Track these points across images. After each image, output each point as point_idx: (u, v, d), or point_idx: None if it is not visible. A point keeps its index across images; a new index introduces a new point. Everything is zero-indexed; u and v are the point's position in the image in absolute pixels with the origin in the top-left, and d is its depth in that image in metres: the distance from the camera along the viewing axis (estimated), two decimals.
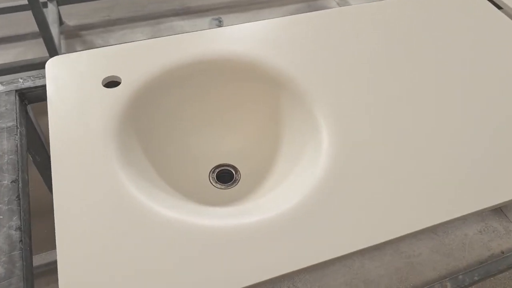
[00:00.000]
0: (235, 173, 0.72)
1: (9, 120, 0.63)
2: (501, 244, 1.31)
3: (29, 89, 0.69)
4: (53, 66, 0.71)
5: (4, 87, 0.68)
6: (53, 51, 1.53)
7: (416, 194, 0.57)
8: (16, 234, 0.52)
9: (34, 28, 1.55)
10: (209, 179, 0.71)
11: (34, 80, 0.70)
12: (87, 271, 0.47)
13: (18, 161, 0.59)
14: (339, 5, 2.04)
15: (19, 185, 0.57)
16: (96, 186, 0.54)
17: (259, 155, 0.72)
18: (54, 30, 1.65)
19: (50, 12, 1.74)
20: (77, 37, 1.85)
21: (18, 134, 0.63)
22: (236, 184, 0.71)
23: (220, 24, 1.93)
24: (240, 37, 0.77)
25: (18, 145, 0.61)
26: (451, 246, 1.30)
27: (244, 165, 0.72)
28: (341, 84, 0.70)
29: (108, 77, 0.68)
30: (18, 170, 0.59)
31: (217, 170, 0.72)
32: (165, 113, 0.70)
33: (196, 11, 1.98)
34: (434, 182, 0.58)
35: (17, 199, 0.56)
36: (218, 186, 0.70)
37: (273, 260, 0.50)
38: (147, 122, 0.68)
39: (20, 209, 0.55)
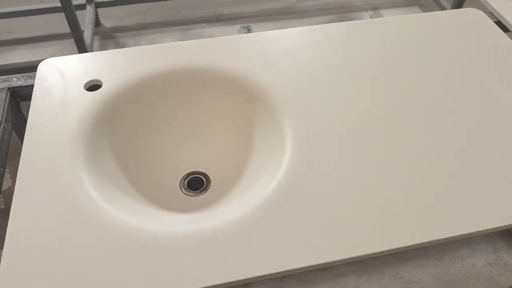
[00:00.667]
0: (206, 181, 0.73)
1: None
2: (511, 279, 1.23)
3: (20, 87, 0.74)
4: (46, 67, 0.75)
5: None
6: (83, 51, 1.61)
7: (375, 217, 0.55)
8: None
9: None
10: (180, 186, 0.72)
11: (26, 79, 0.74)
12: (29, 271, 0.50)
13: None
14: (372, 17, 2.00)
15: None
16: (56, 189, 0.57)
17: (230, 164, 0.72)
18: (88, 31, 1.74)
19: (88, 13, 1.83)
20: (111, 38, 1.93)
21: (1, 129, 0.67)
22: (205, 192, 0.72)
23: (248, 32, 1.95)
24: (224, 49, 0.78)
25: None
26: (455, 276, 1.23)
27: (215, 174, 0.73)
28: (319, 101, 0.69)
29: (91, 80, 0.71)
30: None
31: (189, 178, 0.73)
32: (141, 119, 0.72)
33: (227, 19, 2.01)
34: (396, 208, 0.56)
35: None
36: (187, 193, 0.72)
37: (208, 269, 0.50)
38: (122, 127, 0.70)
39: None
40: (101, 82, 0.72)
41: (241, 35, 0.83)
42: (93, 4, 1.88)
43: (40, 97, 0.69)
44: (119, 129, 0.70)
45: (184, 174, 0.73)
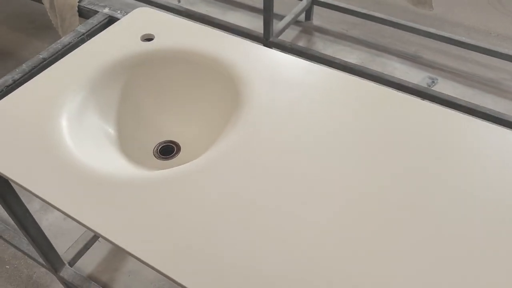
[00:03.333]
0: (176, 150, 0.81)
1: None
2: None
3: (117, 18, 0.94)
4: (137, 12, 0.93)
5: None
6: (267, 32, 1.79)
7: None
8: None
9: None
10: (153, 150, 0.82)
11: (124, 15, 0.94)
12: None
13: None
14: None
15: None
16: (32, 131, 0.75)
17: (202, 140, 0.78)
18: (289, 18, 1.90)
19: (300, 5, 1.99)
20: (307, 34, 2.06)
21: (80, 39, 0.89)
22: (172, 159, 0.80)
23: (431, 84, 1.80)
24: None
25: None
26: None
27: (187, 145, 0.80)
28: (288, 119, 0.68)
29: (146, 34, 0.86)
30: None
31: (164, 145, 0.82)
32: (145, 83, 0.83)
33: (422, 63, 1.89)
34: None
35: None
36: (157, 156, 0.81)
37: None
38: (129, 84, 0.83)
39: None
40: (153, 36, 0.86)
41: (285, 55, 0.84)
42: (310, 0, 2.03)
43: (109, 31, 0.87)
44: (125, 85, 0.83)
45: (161, 141, 0.82)
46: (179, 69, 0.83)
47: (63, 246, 1.18)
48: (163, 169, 0.73)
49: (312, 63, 0.82)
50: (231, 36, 0.88)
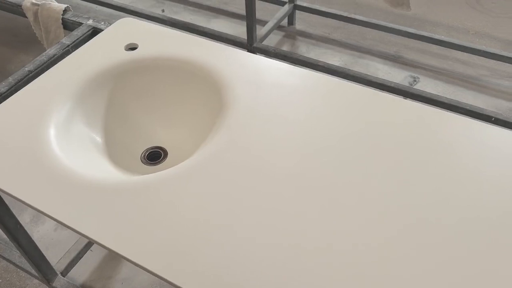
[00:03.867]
0: (163, 155, 0.82)
1: None
2: None
3: (101, 30, 0.96)
4: (121, 23, 0.95)
5: None
6: (250, 38, 1.82)
7: None
8: None
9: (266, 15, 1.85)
10: (141, 156, 0.83)
11: (108, 26, 0.95)
12: None
13: None
14: None
15: None
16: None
17: (189, 147, 0.80)
18: (271, 24, 1.93)
19: (282, 10, 2.02)
20: (290, 38, 2.09)
21: (65, 50, 0.90)
22: (160, 164, 0.82)
23: (413, 83, 1.84)
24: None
25: None
26: None
27: (174, 151, 0.82)
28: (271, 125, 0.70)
29: (130, 43, 0.88)
30: None
31: (151, 151, 0.84)
32: (135, 90, 0.85)
33: (403, 63, 1.93)
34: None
35: None
36: (145, 161, 0.83)
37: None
38: (118, 91, 0.85)
39: None
40: (137, 46, 0.88)
41: (259, 56, 0.86)
42: (292, 5, 2.06)
43: (93, 42, 0.89)
44: (111, 93, 0.84)
45: (148, 147, 0.84)
46: (164, 76, 0.85)
47: (55, 257, 1.18)
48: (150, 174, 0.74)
49: (295, 67, 0.84)
50: (214, 43, 0.90)
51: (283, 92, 0.78)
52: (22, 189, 0.64)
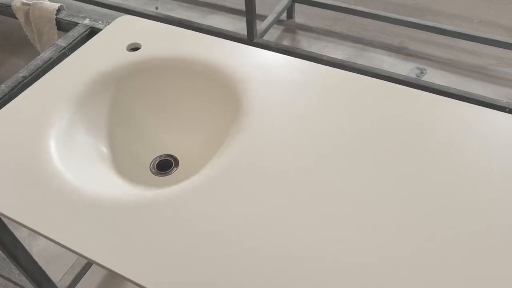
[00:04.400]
0: (174, 164, 0.76)
1: None
2: None
3: (98, 29, 0.89)
4: (121, 21, 0.88)
5: None
6: (250, 34, 1.75)
7: None
8: None
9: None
10: (150, 165, 0.77)
11: (106, 25, 0.88)
12: None
13: None
14: None
15: None
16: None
17: (202, 154, 0.73)
18: (271, 18, 1.87)
19: (282, 4, 1.96)
20: (290, 33, 2.03)
21: (61, 53, 0.83)
22: (170, 174, 0.75)
23: (420, 75, 1.78)
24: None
25: None
26: None
27: (186, 159, 0.75)
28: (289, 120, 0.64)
29: (133, 43, 0.81)
30: None
31: (160, 160, 0.77)
32: (140, 93, 0.78)
33: (408, 54, 1.88)
34: None
35: None
36: (154, 171, 0.76)
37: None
38: (121, 95, 0.78)
39: None
40: (140, 45, 0.81)
41: (266, 52, 0.80)
42: None
43: (92, 43, 0.82)
44: (115, 98, 0.77)
45: (158, 155, 0.77)
46: (171, 77, 0.78)
47: (58, 272, 1.11)
48: (161, 186, 0.68)
49: (307, 62, 0.78)
50: (221, 39, 0.83)
51: (298, 89, 0.72)
52: (20, 211, 0.57)
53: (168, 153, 0.78)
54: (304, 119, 0.68)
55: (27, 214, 0.57)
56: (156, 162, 0.77)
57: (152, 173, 0.76)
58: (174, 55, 0.79)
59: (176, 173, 0.76)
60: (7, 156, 0.63)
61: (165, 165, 0.77)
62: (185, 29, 0.86)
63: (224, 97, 0.74)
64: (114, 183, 0.70)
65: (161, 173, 0.76)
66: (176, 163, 0.77)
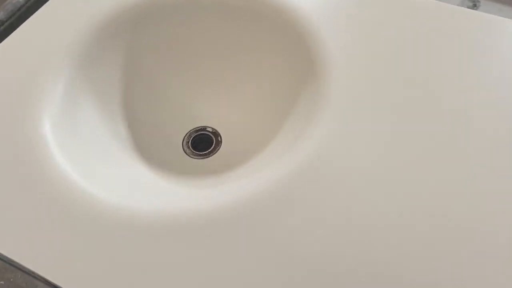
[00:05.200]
0: (215, 141, 0.55)
1: None
2: None
3: None
4: None
5: None
6: None
7: None
8: None
9: None
10: (183, 143, 0.56)
11: None
12: None
13: None
14: None
15: None
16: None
17: (255, 128, 0.53)
18: None
19: None
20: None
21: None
22: (212, 155, 0.55)
23: (473, 7, 1.52)
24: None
25: None
26: None
27: (231, 135, 0.55)
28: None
29: None
30: None
31: (196, 134, 0.56)
32: (158, 46, 0.56)
33: None
34: None
35: None
36: (189, 152, 0.55)
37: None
38: (136, 49, 0.55)
39: None
40: None
41: None
42: None
43: None
44: (129, 52, 0.55)
45: (188, 130, 0.56)
46: (210, 21, 0.55)
47: None
48: (201, 174, 0.49)
49: None
50: None
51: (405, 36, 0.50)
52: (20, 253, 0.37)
53: (207, 126, 0.57)
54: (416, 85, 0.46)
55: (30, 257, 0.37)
56: (191, 139, 0.56)
57: (187, 154, 0.55)
58: None
59: (219, 153, 0.55)
60: None
61: (204, 143, 0.56)
62: None
63: (292, 53, 0.51)
64: (138, 178, 0.49)
65: (198, 154, 0.55)
66: (218, 140, 0.56)
